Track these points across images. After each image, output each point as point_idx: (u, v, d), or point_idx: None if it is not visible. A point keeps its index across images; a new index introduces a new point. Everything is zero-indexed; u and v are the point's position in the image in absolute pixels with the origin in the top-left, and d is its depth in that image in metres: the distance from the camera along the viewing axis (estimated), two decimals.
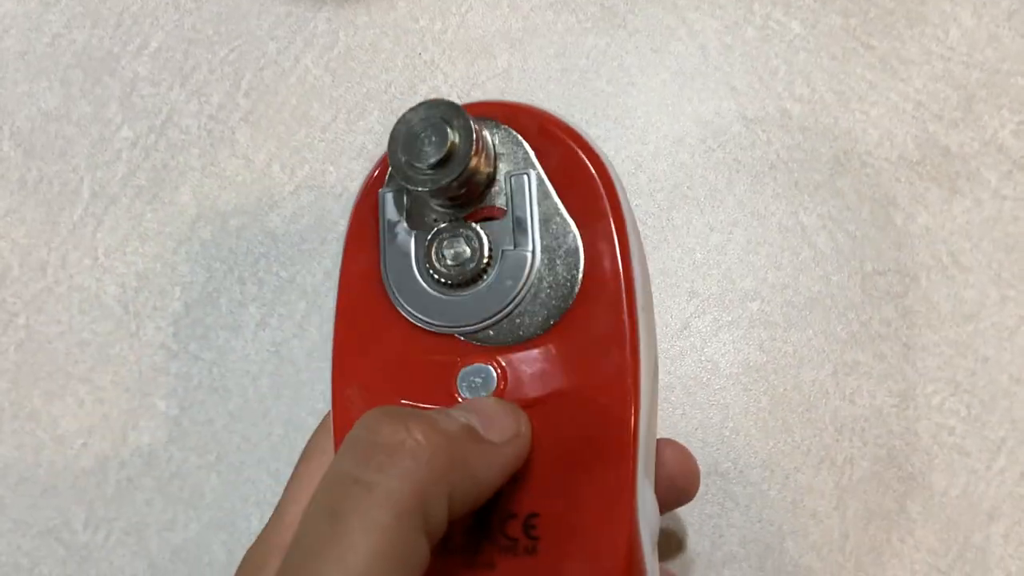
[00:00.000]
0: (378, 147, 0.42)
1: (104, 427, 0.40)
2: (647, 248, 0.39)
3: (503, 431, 0.25)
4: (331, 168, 0.42)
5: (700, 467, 0.37)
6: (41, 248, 0.42)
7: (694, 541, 0.36)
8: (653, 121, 0.41)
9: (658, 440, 0.31)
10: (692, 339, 0.38)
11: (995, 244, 0.38)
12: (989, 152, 0.39)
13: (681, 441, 0.37)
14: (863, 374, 0.37)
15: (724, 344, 0.38)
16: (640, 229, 0.39)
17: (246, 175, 0.42)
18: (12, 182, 0.43)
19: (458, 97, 0.42)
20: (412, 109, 0.26)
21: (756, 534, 0.36)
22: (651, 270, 0.39)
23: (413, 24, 0.43)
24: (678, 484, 0.31)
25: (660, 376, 0.38)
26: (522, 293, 0.27)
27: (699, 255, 0.39)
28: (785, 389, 0.37)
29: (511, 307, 0.27)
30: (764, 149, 0.40)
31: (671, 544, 0.36)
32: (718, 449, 0.37)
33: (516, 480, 0.26)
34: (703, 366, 0.38)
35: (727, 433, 0.37)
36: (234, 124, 0.43)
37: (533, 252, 0.27)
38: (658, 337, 0.38)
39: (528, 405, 0.26)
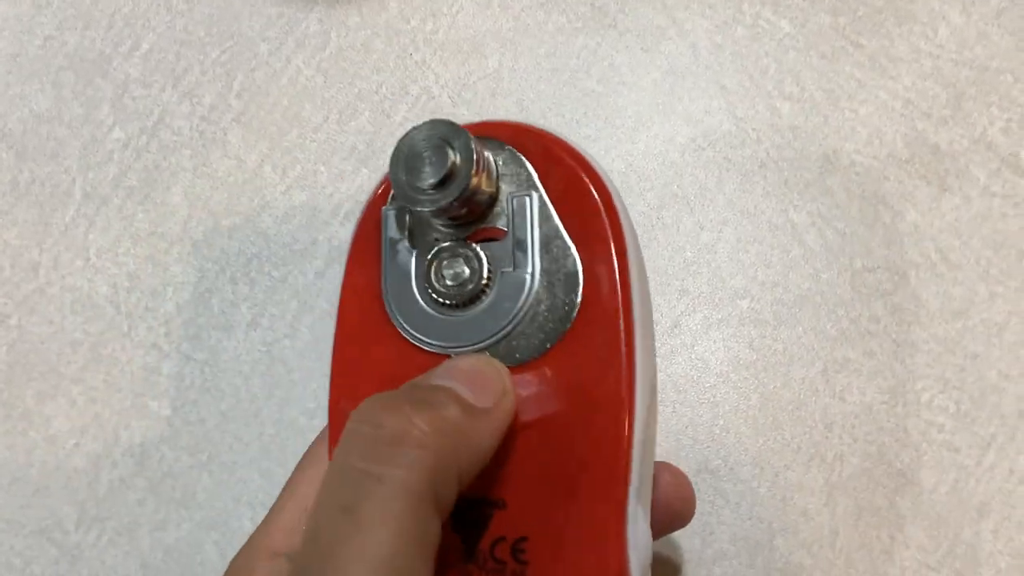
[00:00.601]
0: (369, 148, 0.42)
1: (96, 427, 0.40)
2: None
3: (492, 393, 0.25)
4: (323, 168, 0.42)
5: (691, 465, 0.37)
6: (33, 249, 0.42)
7: (684, 539, 0.36)
8: (643, 120, 0.41)
9: (655, 464, 0.31)
10: (683, 337, 0.38)
11: (984, 241, 0.38)
12: (978, 149, 0.39)
13: (672, 439, 0.37)
14: (853, 371, 0.37)
15: (714, 342, 0.38)
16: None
17: (238, 176, 0.42)
18: (4, 184, 0.43)
19: (449, 98, 0.42)
20: (415, 128, 0.26)
21: (746, 532, 0.36)
22: None
23: (404, 25, 0.43)
24: (674, 508, 0.31)
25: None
26: (519, 315, 0.26)
27: (689, 254, 0.39)
28: (775, 387, 0.38)
29: (508, 329, 0.26)
30: (754, 148, 0.40)
31: (661, 541, 0.36)
32: (708, 447, 0.37)
33: (508, 503, 0.26)
34: (693, 364, 0.38)
35: (717, 431, 0.37)
36: (226, 125, 0.43)
37: (532, 274, 0.27)
38: None
39: (523, 428, 0.26)
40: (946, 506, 0.36)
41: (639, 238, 0.39)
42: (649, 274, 0.39)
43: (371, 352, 0.28)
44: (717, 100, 0.41)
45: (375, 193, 0.29)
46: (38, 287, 0.41)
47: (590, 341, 0.26)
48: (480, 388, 0.25)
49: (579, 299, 0.26)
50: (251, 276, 0.41)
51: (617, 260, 0.26)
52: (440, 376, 0.25)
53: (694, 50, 0.42)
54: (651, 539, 0.27)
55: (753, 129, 0.40)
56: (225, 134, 0.43)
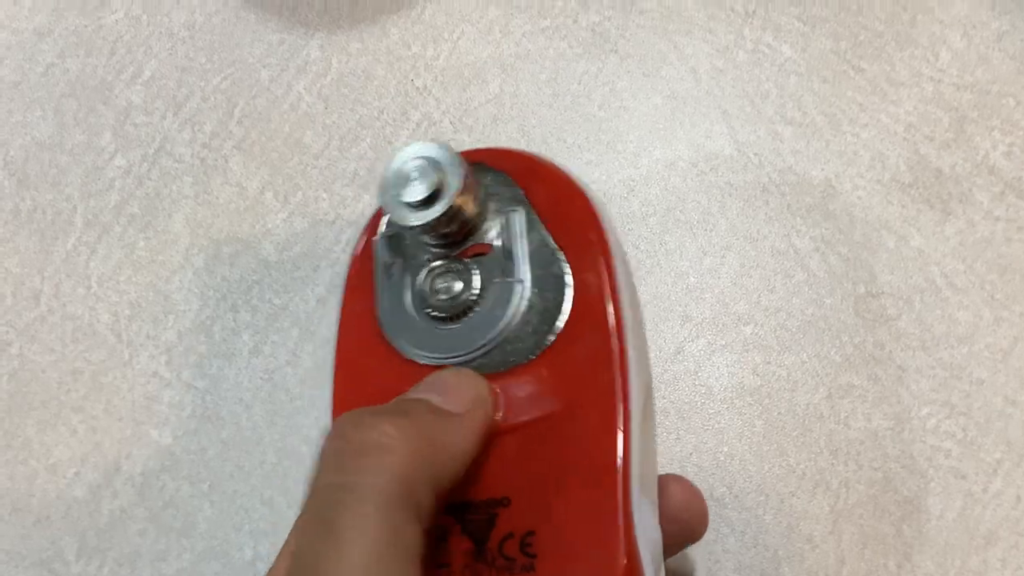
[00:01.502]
0: (371, 174, 0.42)
1: (97, 456, 0.39)
2: (641, 272, 0.39)
3: (464, 400, 0.26)
4: (324, 195, 0.42)
5: None
6: (34, 277, 0.42)
7: (689, 568, 0.36)
8: (645, 145, 0.41)
9: (665, 475, 0.31)
10: (686, 363, 0.38)
11: (988, 265, 0.38)
12: (981, 173, 0.39)
13: (676, 466, 0.37)
14: (857, 397, 0.37)
15: (718, 368, 0.38)
16: (633, 254, 0.40)
17: (239, 203, 0.42)
18: (5, 211, 0.43)
19: (451, 124, 0.42)
20: (402, 148, 0.27)
21: (751, 560, 0.36)
22: (644, 295, 0.39)
23: (405, 51, 0.44)
24: (683, 519, 0.30)
25: (654, 401, 0.38)
26: (511, 322, 0.27)
27: (692, 279, 0.39)
28: (780, 413, 0.37)
29: (501, 335, 0.27)
30: (756, 172, 0.40)
31: (667, 571, 0.36)
32: (713, 474, 0.37)
33: (511, 500, 0.26)
34: (697, 390, 0.38)
35: (722, 458, 0.37)
36: (227, 152, 0.43)
37: (522, 283, 0.28)
38: (652, 362, 0.38)
39: (521, 427, 0.27)
40: (953, 533, 0.36)
41: (642, 264, 0.40)
42: (652, 300, 0.39)
43: (371, 372, 0.29)
44: (719, 125, 0.41)
45: (368, 225, 0.30)
46: (39, 315, 0.41)
47: (581, 340, 0.27)
48: (452, 395, 0.26)
49: (569, 302, 0.27)
50: (252, 303, 0.41)
51: (604, 264, 0.27)
52: (414, 390, 0.26)
53: (695, 75, 0.42)
54: (660, 534, 0.27)
55: (755, 154, 0.40)
56: (226, 161, 0.43)
